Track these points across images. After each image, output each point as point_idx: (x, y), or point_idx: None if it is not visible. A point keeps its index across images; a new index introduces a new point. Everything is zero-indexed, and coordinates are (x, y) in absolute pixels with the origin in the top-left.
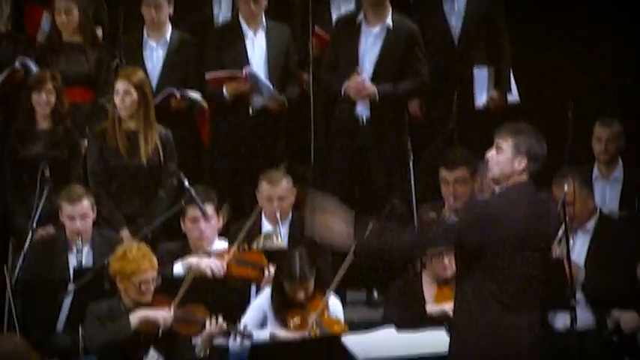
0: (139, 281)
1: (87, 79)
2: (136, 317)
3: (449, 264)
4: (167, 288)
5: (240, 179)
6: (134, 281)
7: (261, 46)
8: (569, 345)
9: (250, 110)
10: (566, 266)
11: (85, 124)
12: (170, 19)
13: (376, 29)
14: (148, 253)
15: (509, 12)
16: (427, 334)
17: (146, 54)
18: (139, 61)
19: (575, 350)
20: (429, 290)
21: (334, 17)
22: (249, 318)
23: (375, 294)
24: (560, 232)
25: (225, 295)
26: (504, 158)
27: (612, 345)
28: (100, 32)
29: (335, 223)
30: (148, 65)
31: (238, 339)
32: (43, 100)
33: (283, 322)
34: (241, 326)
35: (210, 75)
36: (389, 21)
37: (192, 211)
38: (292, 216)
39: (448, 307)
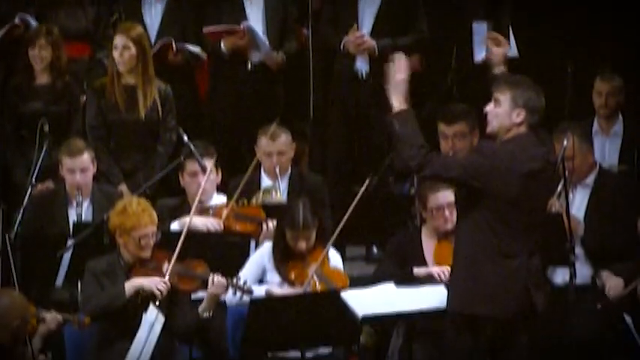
0: (138, 236)
1: (85, 34)
2: (131, 286)
3: (450, 216)
4: (166, 243)
5: (238, 134)
6: (134, 236)
7: (259, 0)
8: (568, 300)
9: (249, 65)
10: (566, 221)
11: (84, 79)
12: None
13: None
14: (148, 208)
15: None
16: (426, 288)
17: (145, 9)
18: (138, 16)
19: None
20: (428, 245)
21: None
22: (248, 273)
23: (375, 249)
24: (560, 187)
25: (225, 251)
26: (502, 111)
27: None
28: None
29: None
30: (147, 20)
31: (238, 294)
32: (36, 55)
33: (284, 274)
34: (241, 281)
35: (208, 29)
36: None
37: (191, 166)
38: (291, 171)
39: (436, 269)
